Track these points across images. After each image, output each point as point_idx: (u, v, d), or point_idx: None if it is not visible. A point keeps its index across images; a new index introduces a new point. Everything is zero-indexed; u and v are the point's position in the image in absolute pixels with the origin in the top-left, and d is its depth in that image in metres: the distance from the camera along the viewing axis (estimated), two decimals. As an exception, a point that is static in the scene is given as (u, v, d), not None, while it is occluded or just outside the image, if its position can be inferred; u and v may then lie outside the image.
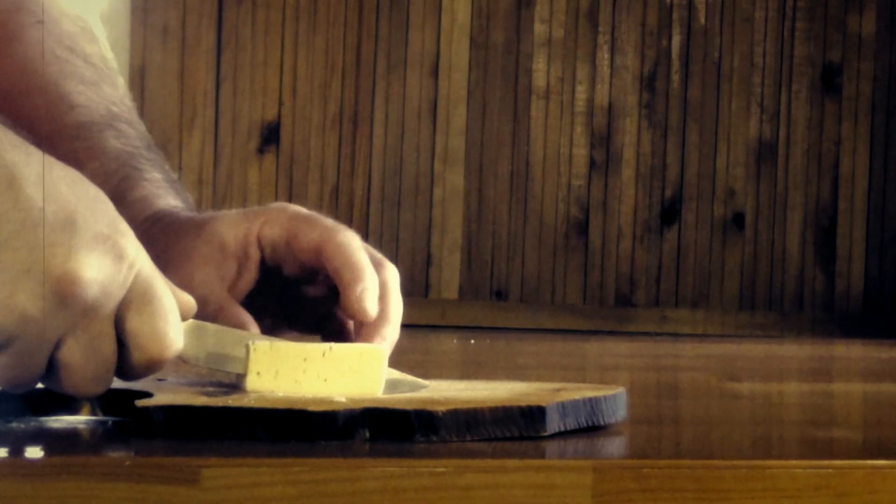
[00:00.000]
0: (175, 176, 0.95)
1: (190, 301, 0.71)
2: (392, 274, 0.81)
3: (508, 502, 0.58)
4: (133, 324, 0.67)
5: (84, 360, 0.66)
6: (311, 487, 0.57)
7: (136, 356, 0.67)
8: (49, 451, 0.61)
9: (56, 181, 0.65)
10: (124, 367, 0.68)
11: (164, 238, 0.83)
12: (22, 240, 0.63)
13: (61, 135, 0.91)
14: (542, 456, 0.63)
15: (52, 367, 0.66)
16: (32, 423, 0.69)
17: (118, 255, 0.65)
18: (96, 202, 0.67)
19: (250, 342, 0.72)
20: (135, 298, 0.67)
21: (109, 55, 1.02)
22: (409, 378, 0.77)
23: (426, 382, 0.78)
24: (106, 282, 0.65)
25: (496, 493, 0.58)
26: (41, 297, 0.63)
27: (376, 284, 0.79)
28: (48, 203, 0.64)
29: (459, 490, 0.57)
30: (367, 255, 0.80)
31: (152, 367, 0.68)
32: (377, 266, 0.81)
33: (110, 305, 0.65)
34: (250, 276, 0.81)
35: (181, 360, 0.72)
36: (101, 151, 0.91)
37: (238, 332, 0.75)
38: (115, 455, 0.59)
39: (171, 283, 0.70)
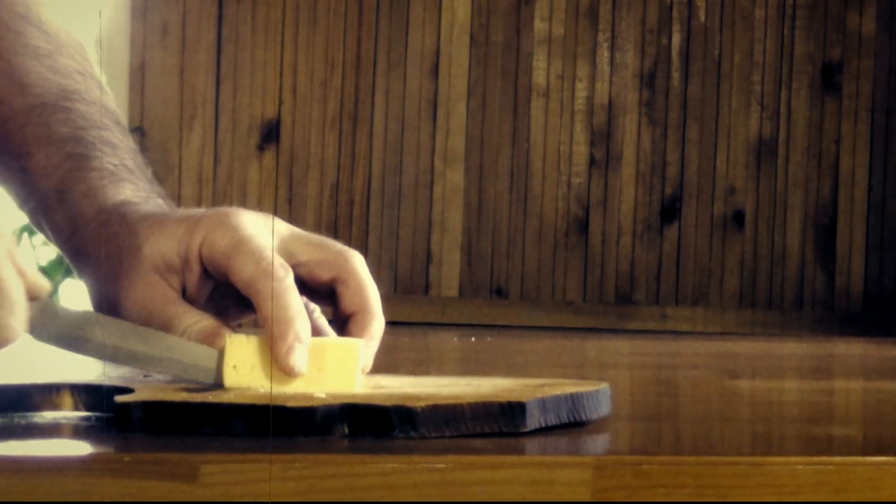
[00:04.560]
0: (135, 144, 0.90)
1: (42, 283, 0.71)
2: (360, 261, 0.79)
3: (508, 498, 0.58)
4: None
5: None
6: (310, 483, 0.57)
7: None
8: (48, 447, 0.61)
9: None
10: None
11: (114, 241, 0.81)
12: None
13: (14, 120, 0.88)
14: (541, 452, 0.63)
15: None
16: (18, 419, 0.69)
17: None
18: None
19: (229, 342, 0.72)
20: None
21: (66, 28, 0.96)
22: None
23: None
24: None
25: (496, 488, 0.58)
26: None
27: (307, 333, 0.74)
28: None
29: (459, 486, 0.57)
30: (296, 297, 0.75)
31: None
32: (340, 257, 0.79)
33: None
34: (194, 286, 0.79)
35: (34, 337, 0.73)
36: (48, 139, 0.87)
37: (84, 313, 0.75)
38: (115, 451, 0.59)
39: (22, 265, 0.69)
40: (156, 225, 0.80)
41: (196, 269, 0.78)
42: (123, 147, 0.89)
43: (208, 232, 0.78)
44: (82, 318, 0.74)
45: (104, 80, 0.95)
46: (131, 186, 0.85)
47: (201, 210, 0.80)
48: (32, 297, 0.71)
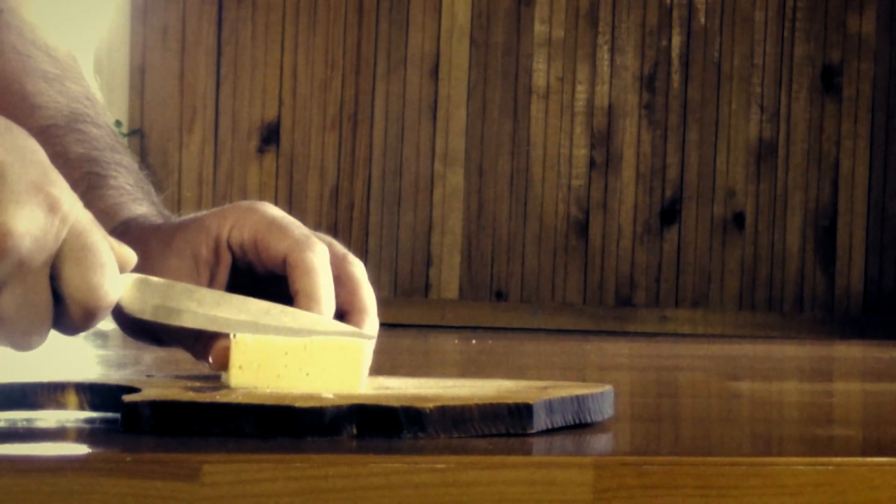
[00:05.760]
0: (142, 171, 0.91)
1: (129, 254, 0.71)
2: (359, 267, 0.80)
3: (509, 499, 0.58)
4: (67, 276, 0.66)
5: (18, 313, 0.65)
6: (311, 483, 0.57)
7: (72, 308, 0.67)
8: (50, 447, 0.61)
9: None
10: (61, 320, 0.67)
11: (134, 248, 0.82)
12: None
13: None
14: (542, 452, 0.63)
15: None
16: (22, 420, 0.69)
17: (51, 207, 0.65)
18: (26, 151, 0.65)
19: (233, 335, 0.72)
20: (69, 250, 0.66)
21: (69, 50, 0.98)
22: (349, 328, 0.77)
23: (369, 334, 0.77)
24: (38, 234, 0.64)
25: (497, 489, 0.58)
26: None
27: (331, 314, 0.77)
28: None
29: (460, 486, 0.57)
30: (329, 276, 0.77)
31: (88, 319, 0.67)
32: (342, 261, 0.79)
33: (43, 258, 0.65)
34: (223, 278, 0.80)
35: (126, 313, 0.72)
36: (64, 159, 0.87)
37: (185, 284, 0.75)
38: (116, 451, 0.59)
39: (109, 236, 0.69)
40: (178, 228, 0.81)
41: (226, 257, 0.79)
42: (135, 171, 0.90)
43: (238, 217, 0.79)
44: (174, 288, 0.74)
45: (105, 104, 0.96)
46: (148, 205, 0.87)
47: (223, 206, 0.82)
48: (122, 268, 0.70)
